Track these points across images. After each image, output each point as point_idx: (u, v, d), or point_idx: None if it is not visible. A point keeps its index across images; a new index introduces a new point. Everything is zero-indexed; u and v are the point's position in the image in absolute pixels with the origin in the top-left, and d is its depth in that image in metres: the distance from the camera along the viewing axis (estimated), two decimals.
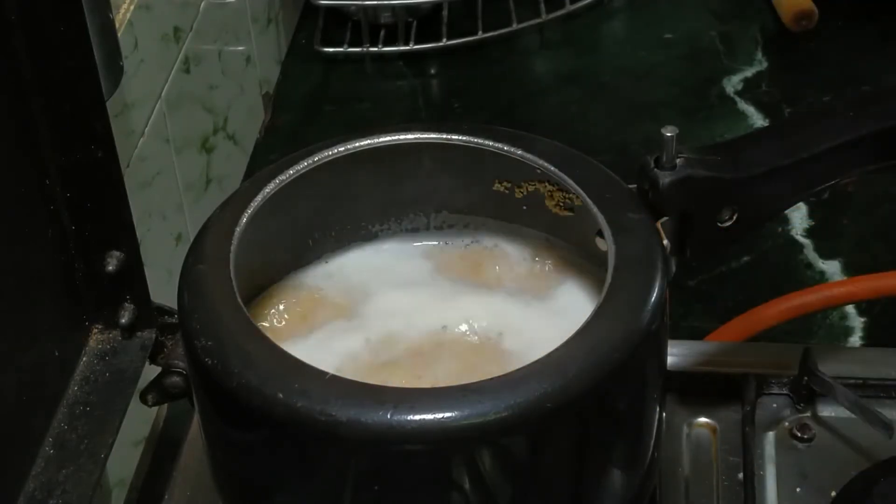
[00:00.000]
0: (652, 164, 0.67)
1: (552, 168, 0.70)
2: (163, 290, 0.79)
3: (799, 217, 1.23)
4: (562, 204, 0.73)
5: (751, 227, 0.70)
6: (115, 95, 0.81)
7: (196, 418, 0.73)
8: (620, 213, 0.67)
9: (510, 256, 0.75)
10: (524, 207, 0.74)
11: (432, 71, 1.47)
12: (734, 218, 0.69)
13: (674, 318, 0.68)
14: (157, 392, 0.72)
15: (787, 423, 0.80)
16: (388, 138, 0.72)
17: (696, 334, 1.03)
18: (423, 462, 0.61)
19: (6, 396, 0.66)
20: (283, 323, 0.72)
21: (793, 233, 1.22)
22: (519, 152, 0.71)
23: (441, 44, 1.47)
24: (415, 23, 1.49)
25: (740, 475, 0.77)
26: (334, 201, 0.74)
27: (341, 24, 1.50)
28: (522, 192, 0.74)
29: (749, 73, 1.42)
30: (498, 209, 0.75)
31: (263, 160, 1.30)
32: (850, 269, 1.17)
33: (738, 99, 1.39)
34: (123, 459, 0.87)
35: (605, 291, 0.63)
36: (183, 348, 0.69)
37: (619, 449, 0.66)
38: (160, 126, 1.05)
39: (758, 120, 1.36)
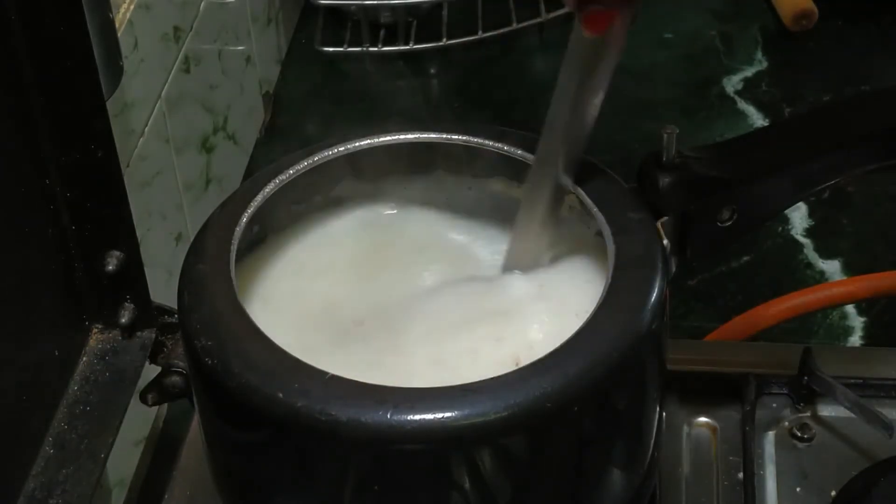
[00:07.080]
0: (652, 164, 0.67)
1: None
2: (163, 290, 0.79)
3: (799, 217, 1.22)
4: None
5: (751, 226, 0.70)
6: (115, 95, 0.81)
7: (196, 418, 0.73)
8: (620, 213, 0.67)
9: None
10: None
11: (432, 71, 1.47)
12: (734, 218, 0.69)
13: (674, 318, 0.68)
14: (157, 392, 0.72)
15: (787, 423, 0.80)
16: (387, 138, 0.72)
17: (696, 334, 1.03)
18: (422, 462, 0.61)
19: (6, 396, 0.66)
20: None
21: (793, 233, 1.21)
22: (519, 152, 0.71)
23: (441, 43, 1.46)
24: (415, 22, 1.48)
25: (740, 475, 0.77)
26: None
27: (341, 23, 1.49)
28: None
29: (749, 72, 1.42)
30: (497, 209, 0.75)
31: (263, 160, 1.29)
32: (850, 269, 1.17)
33: (738, 99, 1.39)
34: (123, 459, 0.88)
35: (605, 291, 0.63)
36: (183, 348, 0.69)
37: (619, 449, 0.66)
38: (160, 126, 1.04)
39: (758, 120, 1.36)
